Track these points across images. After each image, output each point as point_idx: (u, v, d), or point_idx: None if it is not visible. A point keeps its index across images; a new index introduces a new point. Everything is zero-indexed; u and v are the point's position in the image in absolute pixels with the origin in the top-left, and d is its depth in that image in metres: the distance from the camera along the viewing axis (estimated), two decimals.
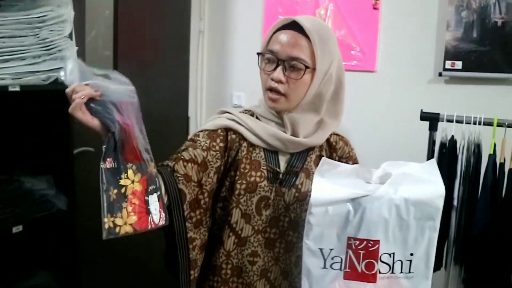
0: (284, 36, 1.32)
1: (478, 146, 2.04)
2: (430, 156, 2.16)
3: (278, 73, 1.31)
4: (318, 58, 1.31)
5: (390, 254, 1.23)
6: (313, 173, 1.37)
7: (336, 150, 1.46)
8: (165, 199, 1.22)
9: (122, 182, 1.10)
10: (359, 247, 1.22)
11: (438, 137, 2.14)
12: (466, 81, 2.53)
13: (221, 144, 1.38)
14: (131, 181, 1.11)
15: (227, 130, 1.40)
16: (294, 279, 1.39)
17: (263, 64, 1.35)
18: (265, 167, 1.38)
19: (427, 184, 1.23)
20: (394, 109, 2.70)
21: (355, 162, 1.47)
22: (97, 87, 1.11)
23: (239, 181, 1.36)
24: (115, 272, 2.67)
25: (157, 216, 1.14)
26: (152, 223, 1.13)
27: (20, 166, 2.00)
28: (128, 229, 1.09)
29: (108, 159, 1.09)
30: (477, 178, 2.04)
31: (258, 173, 1.37)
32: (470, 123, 2.04)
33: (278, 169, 1.38)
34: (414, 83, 2.67)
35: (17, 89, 1.68)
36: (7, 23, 1.65)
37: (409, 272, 1.24)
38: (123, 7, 2.65)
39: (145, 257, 2.78)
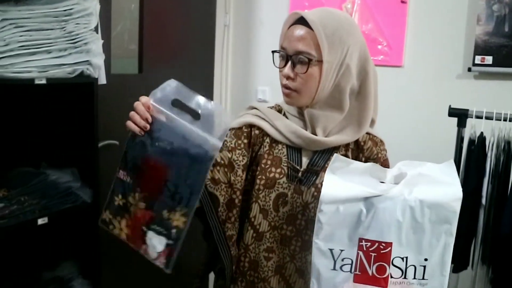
0: (292, 31, 1.31)
1: (508, 143, 1.99)
2: (458, 153, 2.12)
3: (287, 70, 1.30)
4: (324, 49, 1.27)
5: (403, 258, 1.17)
6: None
7: (364, 150, 1.40)
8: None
9: (129, 199, 1.13)
10: (371, 249, 1.17)
11: (467, 134, 2.10)
12: (496, 76, 2.46)
13: (245, 141, 1.39)
14: (135, 203, 1.13)
15: (251, 126, 1.40)
16: (309, 278, 1.38)
17: (278, 62, 1.35)
18: (285, 164, 1.37)
19: (444, 186, 1.17)
20: (422, 105, 2.65)
21: (383, 164, 1.40)
22: (154, 113, 1.13)
23: (259, 176, 1.36)
24: (135, 265, 2.69)
25: (153, 253, 1.14)
26: (145, 251, 1.15)
27: (46, 159, 2.02)
28: (122, 235, 1.15)
29: (122, 171, 1.13)
30: (507, 176, 1.99)
31: (278, 170, 1.36)
32: (500, 120, 1.99)
33: (298, 167, 1.37)
34: (442, 78, 2.61)
35: (43, 82, 1.70)
36: (34, 16, 1.67)
37: (423, 278, 1.17)
38: (148, 1, 2.66)
39: None
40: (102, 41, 1.88)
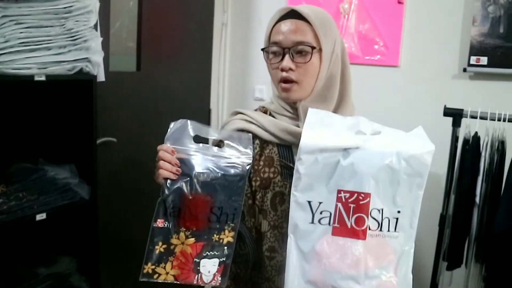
0: (284, 25, 1.32)
1: (502, 143, 2.01)
2: (453, 152, 2.14)
3: (287, 61, 1.31)
4: (322, 38, 1.30)
5: (379, 210, 1.16)
6: None
7: None
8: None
9: (172, 241, 1.18)
10: (350, 200, 1.16)
11: (462, 134, 2.12)
12: (491, 77, 2.49)
13: None
14: (181, 242, 1.17)
15: (241, 131, 1.40)
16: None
17: (270, 59, 1.35)
18: (278, 163, 1.37)
19: (417, 140, 1.19)
20: (417, 105, 2.67)
21: None
22: (179, 155, 1.19)
23: (254, 178, 1.37)
24: (133, 262, 2.70)
25: (208, 277, 1.19)
26: (199, 280, 1.19)
27: (44, 155, 2.03)
28: (169, 278, 1.18)
29: (159, 220, 1.18)
30: (500, 175, 2.01)
31: (272, 169, 1.37)
32: (494, 120, 2.01)
33: (291, 164, 1.36)
34: (438, 78, 2.63)
35: (43, 78, 1.71)
36: (34, 13, 1.68)
37: (395, 231, 1.17)
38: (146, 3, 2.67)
39: None
40: (101, 38, 1.89)
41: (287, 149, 1.38)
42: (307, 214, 1.17)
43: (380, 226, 1.16)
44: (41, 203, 1.81)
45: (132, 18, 2.76)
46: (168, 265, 1.19)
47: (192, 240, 1.19)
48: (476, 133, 2.07)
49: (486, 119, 2.02)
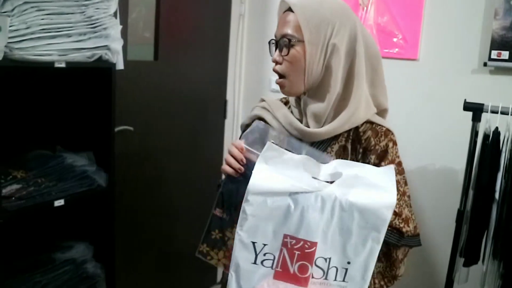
0: (281, 18, 1.33)
1: None
2: (472, 147, 2.12)
3: (275, 55, 1.32)
4: (304, 28, 1.27)
5: (326, 259, 1.13)
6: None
7: (361, 141, 1.35)
8: None
9: (227, 233, 1.24)
10: (295, 246, 1.12)
11: (482, 129, 2.09)
12: None
13: None
14: (233, 237, 1.19)
15: (259, 119, 1.42)
16: None
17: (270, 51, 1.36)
18: None
19: (378, 191, 1.12)
20: (436, 99, 2.64)
21: (379, 157, 1.33)
22: (248, 155, 1.21)
23: None
24: (148, 250, 2.72)
25: None
26: None
27: (62, 142, 2.04)
28: (219, 265, 1.26)
29: (218, 209, 1.24)
30: None
31: None
32: None
33: None
34: (457, 72, 2.60)
35: (63, 65, 1.71)
36: (55, 0, 1.68)
37: (343, 280, 1.14)
38: None
39: (178, 239, 2.82)
40: (121, 26, 1.89)
41: (297, 141, 1.35)
42: (250, 254, 1.15)
43: (325, 274, 1.14)
44: (59, 190, 1.82)
45: (149, 8, 2.76)
46: (221, 253, 1.27)
47: None
48: (497, 128, 2.04)
49: (507, 114, 1.99)
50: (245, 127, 1.46)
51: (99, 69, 1.88)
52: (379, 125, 1.35)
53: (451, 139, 2.49)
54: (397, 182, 1.27)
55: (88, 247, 2.09)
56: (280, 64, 1.31)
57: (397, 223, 1.28)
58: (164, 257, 2.80)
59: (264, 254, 1.14)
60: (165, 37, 2.66)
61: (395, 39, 2.77)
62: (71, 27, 1.73)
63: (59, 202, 1.79)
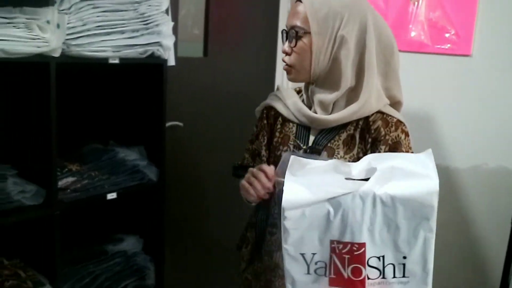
0: (291, 9, 1.35)
1: None
2: None
3: (284, 45, 1.35)
4: (311, 20, 1.28)
5: (379, 258, 1.10)
6: (338, 154, 1.32)
7: (370, 130, 1.33)
8: None
9: None
10: (344, 251, 1.10)
11: None
12: None
13: (265, 121, 1.50)
14: None
15: (269, 107, 1.48)
16: None
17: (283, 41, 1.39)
18: (292, 142, 1.39)
19: (418, 179, 1.08)
20: (490, 96, 2.56)
21: (392, 147, 1.31)
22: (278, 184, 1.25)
23: (271, 154, 1.44)
24: (197, 244, 2.75)
25: None
26: None
27: (114, 137, 2.09)
28: None
29: None
30: None
31: (285, 148, 1.40)
32: None
33: (302, 145, 1.38)
34: None
35: (117, 61, 1.75)
36: None
37: (403, 276, 1.10)
38: None
39: (223, 234, 2.83)
40: (173, 23, 1.92)
41: (305, 129, 1.40)
42: (302, 266, 1.14)
43: (382, 273, 1.11)
44: (111, 183, 1.86)
45: (198, 6, 2.78)
46: None
47: None
48: None
49: None
50: (259, 114, 1.53)
51: (151, 65, 1.91)
52: (390, 115, 1.34)
53: (506, 138, 2.41)
54: None
55: (138, 240, 2.13)
56: (289, 55, 1.34)
57: None
58: (212, 251, 2.82)
59: (316, 263, 1.13)
60: (214, 34, 2.67)
61: (447, 35, 2.70)
62: (125, 24, 1.76)
63: (111, 195, 1.83)
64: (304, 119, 1.37)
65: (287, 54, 1.35)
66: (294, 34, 1.31)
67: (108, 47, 1.72)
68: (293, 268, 1.14)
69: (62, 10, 1.58)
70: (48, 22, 1.51)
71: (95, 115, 2.13)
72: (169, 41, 1.89)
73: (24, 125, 1.75)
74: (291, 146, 1.39)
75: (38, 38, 1.50)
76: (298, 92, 1.48)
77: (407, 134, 1.34)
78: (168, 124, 2.32)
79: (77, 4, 1.61)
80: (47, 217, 1.68)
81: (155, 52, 1.86)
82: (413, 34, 2.76)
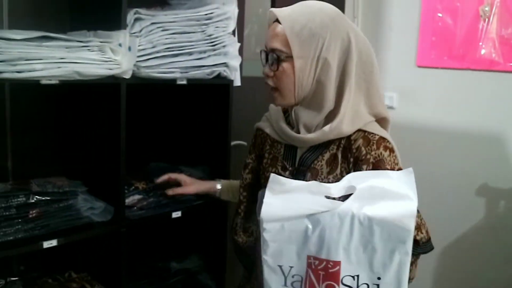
0: (270, 29, 1.32)
1: None
2: None
3: (266, 68, 1.33)
4: (293, 44, 1.25)
5: (354, 277, 1.11)
6: (321, 174, 1.31)
7: (352, 150, 1.30)
8: None
9: None
10: (319, 267, 1.12)
11: None
12: None
13: (254, 143, 1.56)
14: None
15: (259, 129, 1.52)
16: None
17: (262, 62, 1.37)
18: (280, 163, 1.40)
19: (397, 200, 1.08)
20: None
21: (374, 167, 1.27)
22: None
23: (262, 176, 1.46)
24: None
25: None
26: None
27: (179, 156, 2.12)
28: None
29: None
30: None
31: (273, 169, 1.40)
32: None
33: (288, 166, 1.38)
34: None
35: (184, 82, 1.78)
36: (178, 20, 1.76)
37: None
38: (279, 6, 2.69)
39: None
40: (239, 44, 1.94)
41: (293, 149, 1.40)
42: (279, 277, 1.17)
43: None
44: (177, 201, 1.88)
45: (261, 25, 2.81)
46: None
47: None
48: None
49: None
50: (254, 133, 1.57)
51: (218, 86, 1.94)
52: (372, 133, 1.30)
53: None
54: None
55: (201, 258, 2.15)
56: (272, 77, 1.32)
57: None
58: None
59: (293, 276, 1.16)
60: None
61: None
62: (192, 45, 1.79)
63: (176, 214, 1.85)
64: (287, 139, 1.39)
65: (268, 76, 1.35)
66: (276, 57, 1.29)
67: (176, 69, 1.75)
68: (271, 279, 1.18)
69: (134, 33, 1.63)
70: (120, 45, 1.56)
71: (162, 134, 2.18)
72: (235, 61, 1.91)
73: (95, 143, 1.81)
74: (279, 167, 1.40)
75: (110, 61, 1.55)
76: (285, 112, 1.46)
77: (391, 151, 1.30)
78: (233, 143, 2.34)
79: (147, 27, 1.66)
80: (114, 234, 1.72)
81: (222, 72, 1.88)
82: (483, 51, 2.67)
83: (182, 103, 2.13)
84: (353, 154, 1.30)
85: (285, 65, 1.29)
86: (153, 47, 1.69)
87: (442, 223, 2.78)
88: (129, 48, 1.59)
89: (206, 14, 1.82)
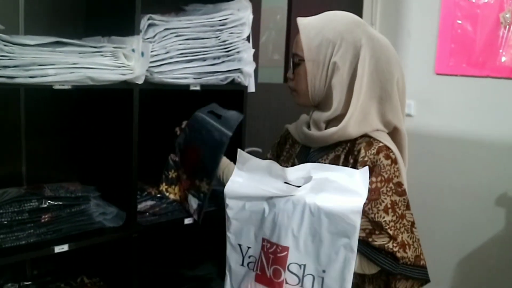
0: (296, 38, 1.40)
1: None
2: None
3: (288, 72, 1.44)
4: (305, 48, 1.33)
5: (300, 266, 1.13)
6: None
7: (354, 152, 1.31)
8: None
9: (179, 172, 1.80)
10: (270, 250, 1.16)
11: None
12: None
13: (279, 142, 1.62)
14: (181, 175, 1.77)
15: (287, 130, 1.58)
16: None
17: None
18: (292, 160, 1.47)
19: (347, 195, 1.10)
20: None
21: (370, 171, 1.23)
22: None
23: None
24: None
25: (192, 210, 1.76)
26: (188, 208, 1.78)
27: None
28: (176, 197, 1.87)
29: (172, 154, 1.84)
30: None
31: (285, 165, 1.43)
32: None
33: (297, 164, 1.39)
34: None
35: (198, 88, 1.78)
36: (192, 26, 1.75)
37: None
38: (296, 12, 2.68)
39: None
40: (254, 50, 1.93)
41: (307, 150, 1.44)
42: (238, 256, 1.23)
43: (300, 281, 1.14)
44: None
45: (279, 31, 2.80)
46: (176, 188, 1.80)
47: (185, 176, 1.69)
48: None
49: None
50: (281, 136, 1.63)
51: (231, 92, 1.93)
52: (377, 139, 1.31)
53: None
54: (396, 204, 1.23)
55: (214, 265, 2.13)
56: (292, 80, 1.42)
57: (391, 246, 1.20)
58: None
59: (249, 257, 1.21)
60: None
61: None
62: (206, 51, 1.79)
63: (188, 220, 1.84)
64: (302, 137, 1.45)
65: (289, 79, 1.44)
66: (294, 61, 1.39)
67: (189, 74, 1.75)
68: (232, 256, 1.25)
69: (147, 38, 1.63)
70: (133, 50, 1.56)
71: (175, 139, 2.17)
72: (249, 68, 1.90)
73: (108, 148, 1.81)
74: (290, 164, 1.45)
75: (123, 66, 1.55)
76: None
77: (393, 161, 1.28)
78: (247, 149, 2.32)
79: (161, 32, 1.66)
80: (126, 239, 1.71)
81: (236, 79, 1.87)
82: (503, 59, 2.63)
83: (196, 109, 2.12)
84: (354, 156, 1.31)
85: (300, 68, 1.37)
86: (167, 52, 1.68)
87: (460, 233, 2.74)
88: (142, 54, 1.59)
89: (220, 20, 1.82)
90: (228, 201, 1.22)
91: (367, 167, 1.16)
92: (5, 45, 1.35)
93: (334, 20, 1.36)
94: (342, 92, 1.32)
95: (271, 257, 1.16)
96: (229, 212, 1.23)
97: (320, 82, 1.35)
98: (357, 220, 1.08)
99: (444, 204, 2.82)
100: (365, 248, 1.21)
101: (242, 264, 1.23)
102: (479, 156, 2.69)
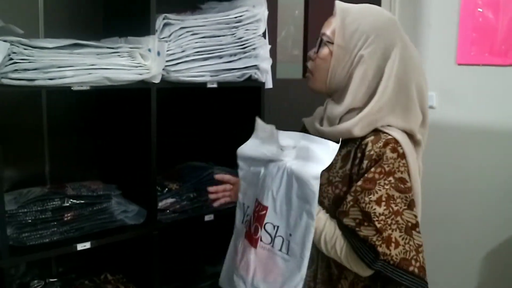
0: (327, 19, 1.38)
1: None
2: None
3: (310, 51, 1.38)
4: (338, 32, 1.29)
5: (274, 226, 1.20)
6: (334, 168, 1.30)
7: (361, 146, 1.26)
8: None
9: None
10: (257, 209, 1.24)
11: None
12: None
13: None
14: None
15: (303, 123, 1.53)
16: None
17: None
18: None
19: (315, 163, 1.17)
20: None
21: (372, 162, 1.22)
22: None
23: None
24: None
25: None
26: None
27: (213, 158, 2.13)
28: None
29: None
30: None
31: None
32: None
33: None
34: None
35: (215, 85, 1.79)
36: (208, 24, 1.77)
37: (287, 253, 1.18)
38: (313, 7, 2.67)
39: None
40: (270, 46, 1.93)
41: None
42: (241, 214, 1.34)
43: (272, 241, 1.20)
44: (209, 205, 1.88)
45: (297, 27, 2.79)
46: None
47: None
48: None
49: None
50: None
51: (249, 88, 1.93)
52: (386, 133, 1.27)
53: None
54: (393, 198, 1.19)
55: None
56: (313, 60, 1.36)
57: (374, 239, 1.16)
58: None
59: (247, 215, 1.31)
60: None
61: None
62: (222, 48, 1.80)
63: (209, 217, 1.86)
64: (316, 133, 1.39)
65: (310, 59, 1.38)
66: (321, 41, 1.34)
67: (206, 72, 1.76)
68: (238, 214, 1.36)
69: (163, 38, 1.65)
70: (149, 50, 1.58)
71: (193, 136, 2.19)
72: (266, 64, 1.90)
73: (128, 146, 1.84)
74: None
75: (140, 66, 1.57)
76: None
77: (400, 156, 1.24)
78: None
79: (176, 31, 1.68)
80: (147, 236, 1.74)
81: (253, 75, 1.88)
82: None
83: (213, 106, 2.14)
84: (362, 149, 1.27)
85: (325, 49, 1.32)
86: (183, 51, 1.70)
87: (483, 227, 2.70)
88: (158, 53, 1.60)
89: (235, 17, 1.83)
90: (238, 161, 1.34)
91: (338, 145, 1.21)
92: (25, 49, 1.38)
93: (374, 14, 1.32)
94: (360, 87, 1.28)
95: (256, 215, 1.25)
96: (240, 172, 1.34)
97: (342, 69, 1.30)
98: (316, 186, 1.14)
99: (466, 196, 2.78)
100: (351, 237, 1.19)
101: (242, 222, 1.33)
102: (502, 147, 2.64)
